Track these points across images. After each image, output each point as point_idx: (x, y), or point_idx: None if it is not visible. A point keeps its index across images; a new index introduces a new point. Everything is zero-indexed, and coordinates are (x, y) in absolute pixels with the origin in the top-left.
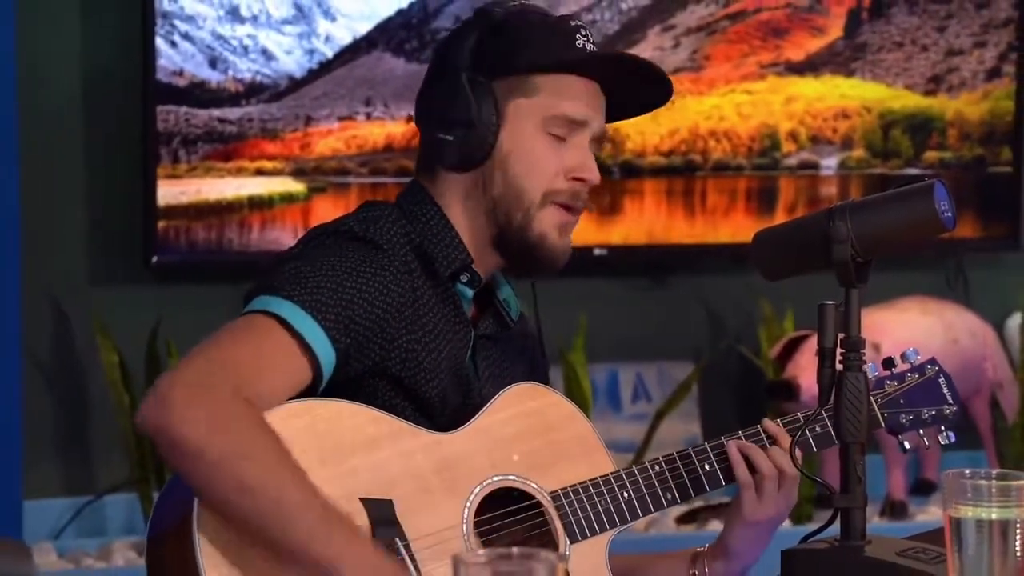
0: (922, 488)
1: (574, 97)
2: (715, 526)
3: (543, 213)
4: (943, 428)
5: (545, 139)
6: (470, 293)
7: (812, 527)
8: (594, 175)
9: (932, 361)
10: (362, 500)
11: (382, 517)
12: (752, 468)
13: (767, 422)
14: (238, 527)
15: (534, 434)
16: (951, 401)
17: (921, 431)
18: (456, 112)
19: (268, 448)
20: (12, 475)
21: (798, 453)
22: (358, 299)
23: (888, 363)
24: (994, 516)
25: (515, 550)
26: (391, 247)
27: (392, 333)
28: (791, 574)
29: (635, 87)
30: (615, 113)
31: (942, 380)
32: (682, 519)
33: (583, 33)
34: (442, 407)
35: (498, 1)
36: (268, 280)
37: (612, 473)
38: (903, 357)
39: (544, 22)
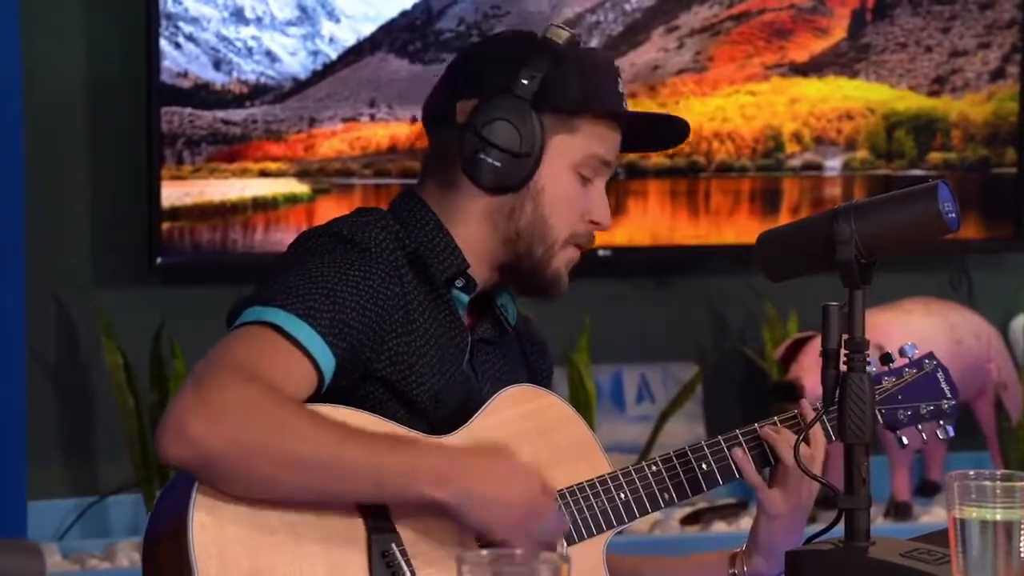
0: (926, 489)
1: (607, 139)
2: (719, 527)
3: (563, 252)
4: (941, 423)
5: (575, 179)
6: (465, 299)
7: (817, 528)
8: (608, 221)
9: (930, 355)
10: (358, 506)
11: (378, 523)
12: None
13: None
14: (314, 499)
15: (530, 436)
16: (949, 395)
17: (919, 426)
18: (513, 142)
19: (297, 418)
20: (17, 476)
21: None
22: (350, 303)
23: (886, 359)
24: (998, 517)
25: (518, 551)
26: (380, 251)
27: (382, 335)
28: (796, 575)
29: (653, 133)
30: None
31: (940, 374)
32: (686, 520)
33: (619, 74)
34: (435, 410)
35: (550, 31)
36: (259, 291)
37: (609, 474)
38: (901, 352)
39: (595, 63)
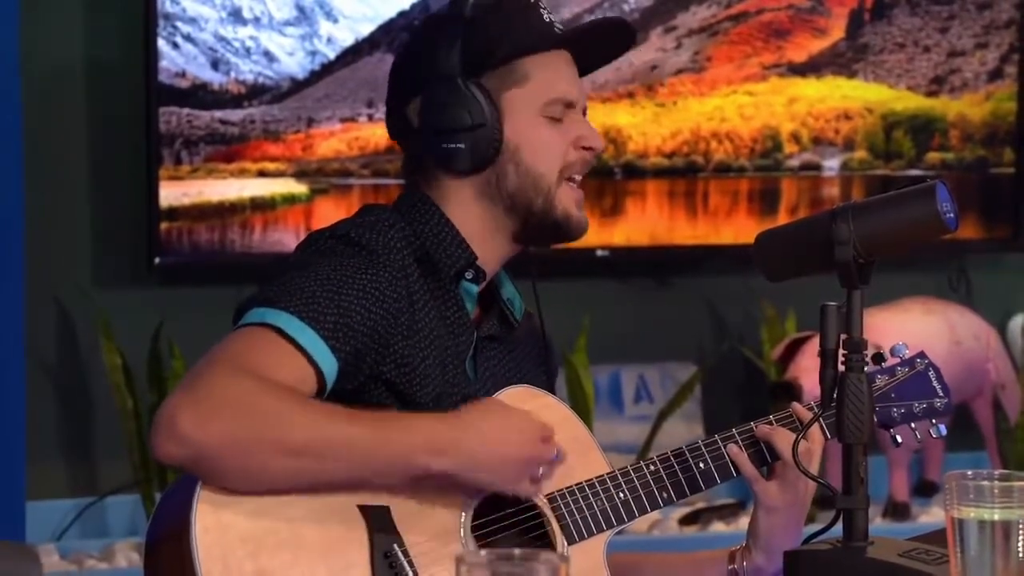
0: (924, 489)
1: (562, 77)
2: (718, 527)
3: (561, 192)
4: (934, 421)
5: (545, 122)
6: (475, 290)
7: (815, 528)
8: (600, 143)
9: (921, 355)
10: (360, 507)
11: (380, 524)
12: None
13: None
14: (313, 485)
15: None
16: (941, 394)
17: (912, 425)
18: (463, 118)
19: (289, 404)
20: (15, 476)
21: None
22: (355, 306)
23: (878, 358)
24: (996, 517)
25: (516, 551)
26: (387, 252)
27: (387, 339)
28: (794, 575)
29: (601, 43)
30: (583, 68)
31: (931, 373)
32: (685, 520)
33: (542, 6)
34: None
35: (457, 2)
36: (262, 292)
37: (608, 474)
38: (892, 351)
39: (507, 8)
